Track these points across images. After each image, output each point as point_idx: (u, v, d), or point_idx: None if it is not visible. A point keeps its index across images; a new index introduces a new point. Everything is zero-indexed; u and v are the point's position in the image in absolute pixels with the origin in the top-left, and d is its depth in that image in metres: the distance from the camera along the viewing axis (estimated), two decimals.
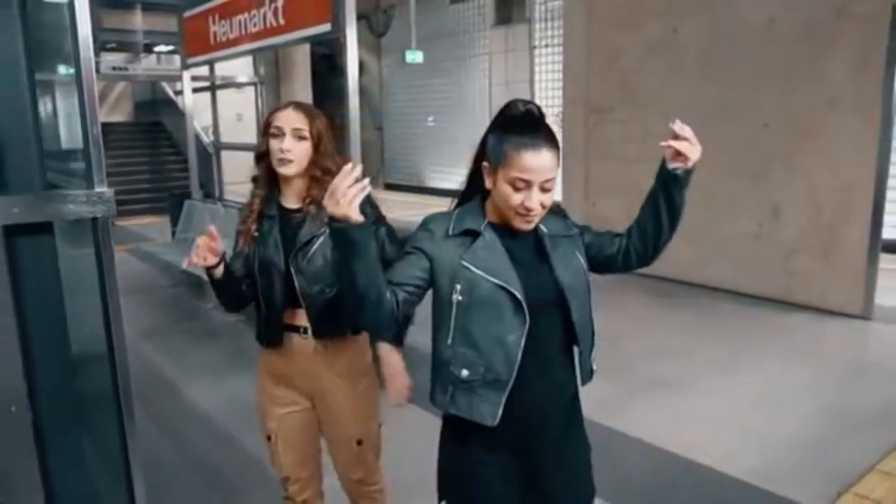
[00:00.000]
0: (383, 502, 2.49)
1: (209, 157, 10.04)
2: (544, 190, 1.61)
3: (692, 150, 1.65)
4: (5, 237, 1.52)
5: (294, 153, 2.11)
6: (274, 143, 2.12)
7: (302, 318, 2.20)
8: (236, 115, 13.20)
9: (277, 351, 2.26)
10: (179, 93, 8.87)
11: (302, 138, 2.12)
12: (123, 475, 1.75)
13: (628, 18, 7.15)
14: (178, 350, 5.48)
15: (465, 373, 1.66)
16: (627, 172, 7.22)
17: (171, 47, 12.95)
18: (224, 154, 8.83)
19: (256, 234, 2.21)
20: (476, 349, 1.65)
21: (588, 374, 1.80)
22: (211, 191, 9.27)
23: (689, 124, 1.67)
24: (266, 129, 2.16)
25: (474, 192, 1.76)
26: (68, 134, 2.16)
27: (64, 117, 2.28)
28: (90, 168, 1.51)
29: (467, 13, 14.19)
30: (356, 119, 4.90)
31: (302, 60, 13.11)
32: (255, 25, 5.97)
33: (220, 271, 2.07)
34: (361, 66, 17.01)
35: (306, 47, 13.07)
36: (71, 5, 1.90)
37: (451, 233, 1.69)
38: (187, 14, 7.35)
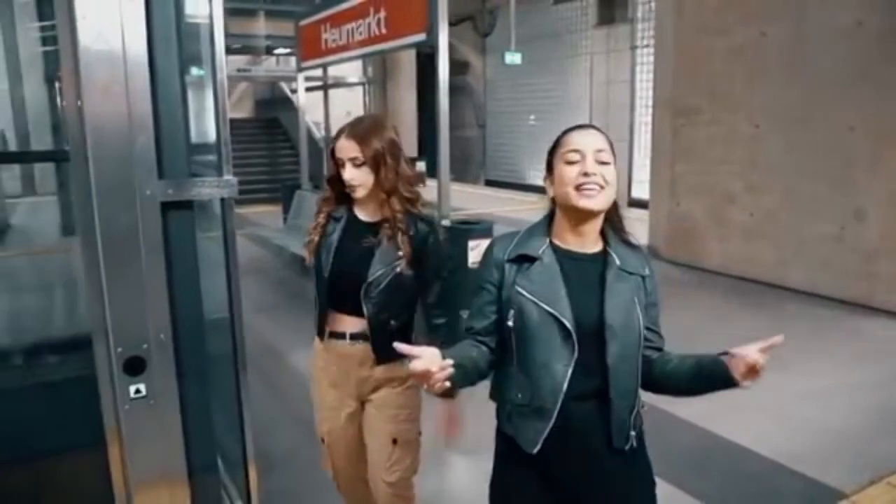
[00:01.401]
0: None
1: (320, 151, 10.84)
2: (601, 163, 1.60)
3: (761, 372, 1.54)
4: (162, 212, 2.10)
5: (357, 180, 2.19)
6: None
7: (348, 325, 2.29)
8: (346, 113, 14.03)
9: (327, 348, 2.36)
10: (295, 91, 9.68)
11: (360, 164, 2.17)
12: (237, 421, 2.24)
13: (716, 22, 7.30)
14: (285, 322, 6.19)
15: (520, 396, 1.66)
16: (711, 174, 7.40)
17: (288, 50, 13.91)
18: None
19: (320, 240, 2.30)
20: (528, 375, 1.65)
21: (622, 438, 1.67)
22: (320, 182, 10.05)
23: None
24: (332, 157, 2.25)
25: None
26: (198, 128, 2.71)
27: (194, 114, 2.85)
28: (220, 159, 2.08)
29: (570, 13, 14.40)
30: (445, 121, 5.41)
31: (408, 61, 13.76)
32: (361, 34, 6.60)
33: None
34: (466, 66, 17.56)
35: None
36: (210, 22, 2.50)
37: (507, 257, 1.69)
38: (303, 22, 8.10)
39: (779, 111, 6.58)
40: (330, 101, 9.71)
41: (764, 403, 4.27)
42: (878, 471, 3.45)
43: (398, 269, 2.21)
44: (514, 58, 11.73)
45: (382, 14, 6.14)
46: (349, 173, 2.18)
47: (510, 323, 1.65)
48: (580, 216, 1.63)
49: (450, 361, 1.50)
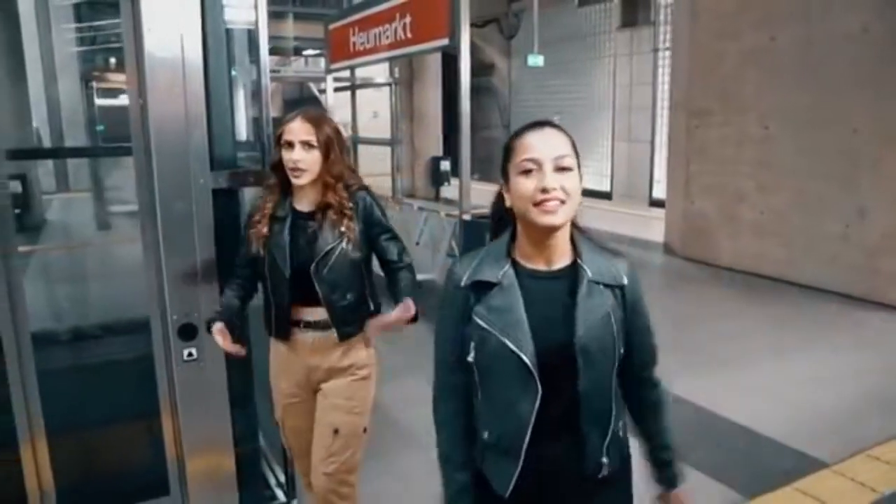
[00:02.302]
0: None
1: (347, 150, 11.22)
2: (560, 170, 1.40)
3: None
4: (214, 197, 2.45)
5: (305, 163, 2.21)
6: (286, 155, 2.22)
7: (306, 314, 2.35)
8: (373, 113, 14.39)
9: (283, 342, 2.42)
10: (323, 91, 10.06)
11: (311, 147, 2.21)
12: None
13: (729, 27, 7.54)
14: None
15: (486, 434, 1.54)
16: (723, 173, 7.66)
17: (317, 51, 14.28)
18: (360, 147, 9.99)
19: (267, 235, 2.31)
20: (493, 413, 1.52)
21: (594, 465, 1.51)
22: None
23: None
24: (278, 141, 2.26)
25: (503, 227, 1.57)
26: (242, 125, 3.03)
27: (239, 112, 3.18)
28: (263, 153, 2.44)
29: (594, 16, 14.59)
30: (467, 122, 5.75)
31: (434, 62, 14.05)
32: (387, 37, 6.95)
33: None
34: (492, 67, 17.86)
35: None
36: (255, 31, 2.86)
37: (464, 283, 1.51)
38: (332, 26, 8.47)
39: (788, 113, 6.82)
40: (357, 101, 10.10)
41: (762, 386, 4.55)
42: (865, 445, 3.72)
43: (342, 247, 2.26)
44: (536, 60, 11.99)
45: (408, 19, 6.49)
46: (298, 154, 2.20)
47: (471, 357, 1.50)
48: (542, 232, 1.45)
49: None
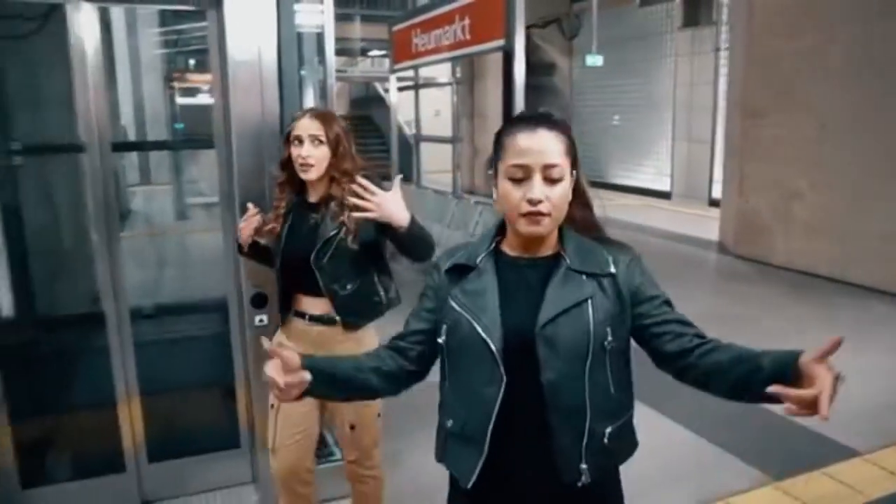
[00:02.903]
0: (376, 489, 2.60)
1: (409, 147, 11.58)
2: (550, 181, 1.36)
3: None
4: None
5: (313, 158, 2.27)
6: (294, 151, 2.29)
7: (310, 306, 2.40)
8: (435, 112, 14.72)
9: (285, 330, 2.49)
10: (388, 91, 10.44)
11: (320, 143, 2.27)
12: None
13: (786, 26, 7.58)
14: None
15: (450, 423, 1.51)
16: (777, 172, 7.71)
17: (382, 52, 14.70)
18: (422, 145, 10.35)
19: (279, 232, 2.41)
20: (459, 398, 1.49)
21: (570, 471, 1.41)
22: (407, 173, 10.85)
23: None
24: (287, 138, 2.32)
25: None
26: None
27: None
28: None
29: (656, 16, 14.55)
30: None
31: (494, 62, 14.28)
32: (447, 38, 7.27)
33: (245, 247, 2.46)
34: (553, 67, 17.97)
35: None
36: (322, 34, 3.21)
37: (446, 267, 1.53)
38: (395, 28, 8.84)
39: (844, 112, 6.84)
40: (420, 100, 10.45)
41: None
42: (894, 439, 3.82)
43: (341, 237, 2.29)
44: (595, 59, 12.12)
45: (467, 21, 6.79)
46: (307, 150, 2.27)
47: (441, 339, 1.49)
48: (527, 237, 1.43)
49: (306, 376, 1.39)
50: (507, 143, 1.40)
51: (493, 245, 1.51)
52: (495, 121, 14.98)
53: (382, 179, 2.29)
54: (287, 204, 2.41)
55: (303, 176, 2.32)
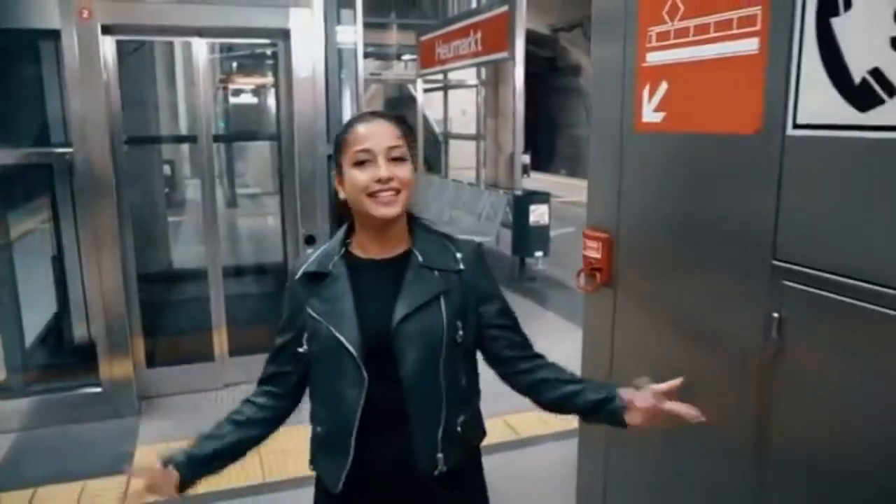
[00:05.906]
0: None
1: (437, 143, 12.86)
2: (394, 160, 1.41)
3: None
4: (328, 159, 4.16)
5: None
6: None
7: None
8: (461, 111, 15.93)
9: None
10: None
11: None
12: None
13: None
14: None
15: (318, 429, 1.53)
16: None
17: (413, 56, 15.89)
18: (450, 142, 11.70)
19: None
20: (324, 405, 1.51)
21: (427, 461, 1.47)
22: (433, 165, 12.19)
23: None
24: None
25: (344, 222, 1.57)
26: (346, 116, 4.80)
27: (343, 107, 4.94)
28: None
29: None
30: (521, 121, 7.39)
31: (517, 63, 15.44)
32: (464, 49, 8.59)
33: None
34: (578, 69, 19.10)
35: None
36: (355, 49, 4.61)
37: (298, 276, 1.52)
38: (422, 38, 10.23)
39: None
40: (449, 100, 11.73)
41: None
42: None
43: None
44: None
45: (479, 35, 8.10)
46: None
47: (302, 348, 1.49)
48: (378, 222, 1.44)
49: (173, 473, 1.42)
50: (349, 137, 1.44)
51: (344, 249, 1.52)
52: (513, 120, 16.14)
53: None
54: None
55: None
